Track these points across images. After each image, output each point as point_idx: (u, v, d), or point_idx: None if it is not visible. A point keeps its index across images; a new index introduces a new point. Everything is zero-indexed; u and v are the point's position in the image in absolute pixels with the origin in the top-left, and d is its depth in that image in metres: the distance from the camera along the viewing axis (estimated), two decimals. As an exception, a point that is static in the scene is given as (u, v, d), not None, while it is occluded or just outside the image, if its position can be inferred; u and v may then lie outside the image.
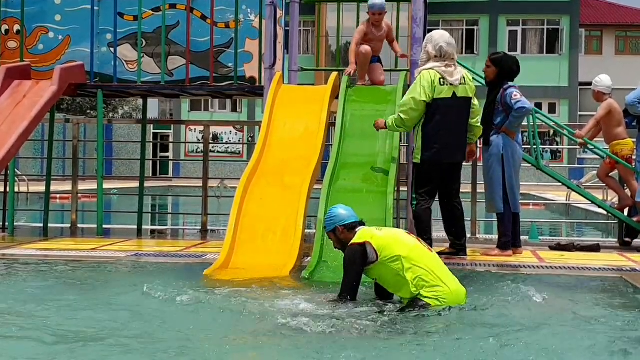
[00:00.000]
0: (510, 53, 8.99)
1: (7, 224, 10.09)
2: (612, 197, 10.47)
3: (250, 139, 34.31)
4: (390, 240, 5.20)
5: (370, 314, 4.93)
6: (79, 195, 11.14)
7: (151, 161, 33.06)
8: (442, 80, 7.34)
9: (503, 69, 8.13)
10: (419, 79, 7.42)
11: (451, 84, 7.35)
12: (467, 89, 7.49)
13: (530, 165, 9.01)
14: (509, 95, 8.00)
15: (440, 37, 7.40)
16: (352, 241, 5.23)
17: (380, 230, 5.36)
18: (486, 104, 8.25)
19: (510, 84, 8.11)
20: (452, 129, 7.45)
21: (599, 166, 9.73)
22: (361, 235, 5.24)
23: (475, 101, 7.65)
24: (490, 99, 8.21)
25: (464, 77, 7.47)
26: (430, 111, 7.41)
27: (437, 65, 7.36)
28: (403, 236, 5.33)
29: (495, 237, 8.76)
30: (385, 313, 4.97)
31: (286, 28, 9.54)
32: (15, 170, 10.80)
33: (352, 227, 5.34)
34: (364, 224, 5.40)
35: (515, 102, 7.93)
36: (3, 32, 9.99)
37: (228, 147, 35.95)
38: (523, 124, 8.81)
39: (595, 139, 9.48)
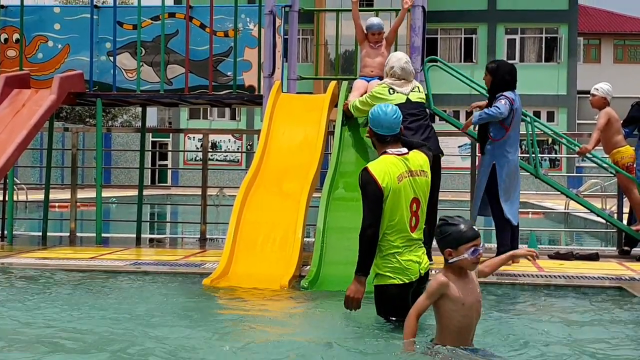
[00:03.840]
0: (508, 61, 8.96)
1: (6, 232, 10.07)
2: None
3: (249, 147, 34.30)
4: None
5: (371, 324, 4.92)
6: (78, 203, 11.14)
7: (150, 169, 33.07)
8: (390, 90, 7.59)
9: (496, 79, 8.16)
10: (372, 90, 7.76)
11: (401, 92, 7.55)
12: (422, 96, 7.72)
13: (528, 173, 9.01)
14: (497, 101, 8.02)
15: (397, 60, 7.65)
16: (369, 166, 4.94)
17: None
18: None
19: (505, 93, 8.07)
20: (414, 126, 7.45)
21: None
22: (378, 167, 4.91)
23: None
24: (485, 108, 8.24)
25: (418, 87, 7.71)
26: None
27: (387, 80, 7.68)
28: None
29: (494, 246, 8.76)
30: (384, 323, 4.96)
31: (285, 37, 9.55)
32: (14, 178, 10.80)
33: (382, 140, 5.06)
34: (407, 147, 5.04)
35: (495, 105, 7.97)
36: (2, 40, 10.01)
37: (227, 156, 35.92)
38: (521, 132, 8.80)
39: (594, 148, 9.46)
